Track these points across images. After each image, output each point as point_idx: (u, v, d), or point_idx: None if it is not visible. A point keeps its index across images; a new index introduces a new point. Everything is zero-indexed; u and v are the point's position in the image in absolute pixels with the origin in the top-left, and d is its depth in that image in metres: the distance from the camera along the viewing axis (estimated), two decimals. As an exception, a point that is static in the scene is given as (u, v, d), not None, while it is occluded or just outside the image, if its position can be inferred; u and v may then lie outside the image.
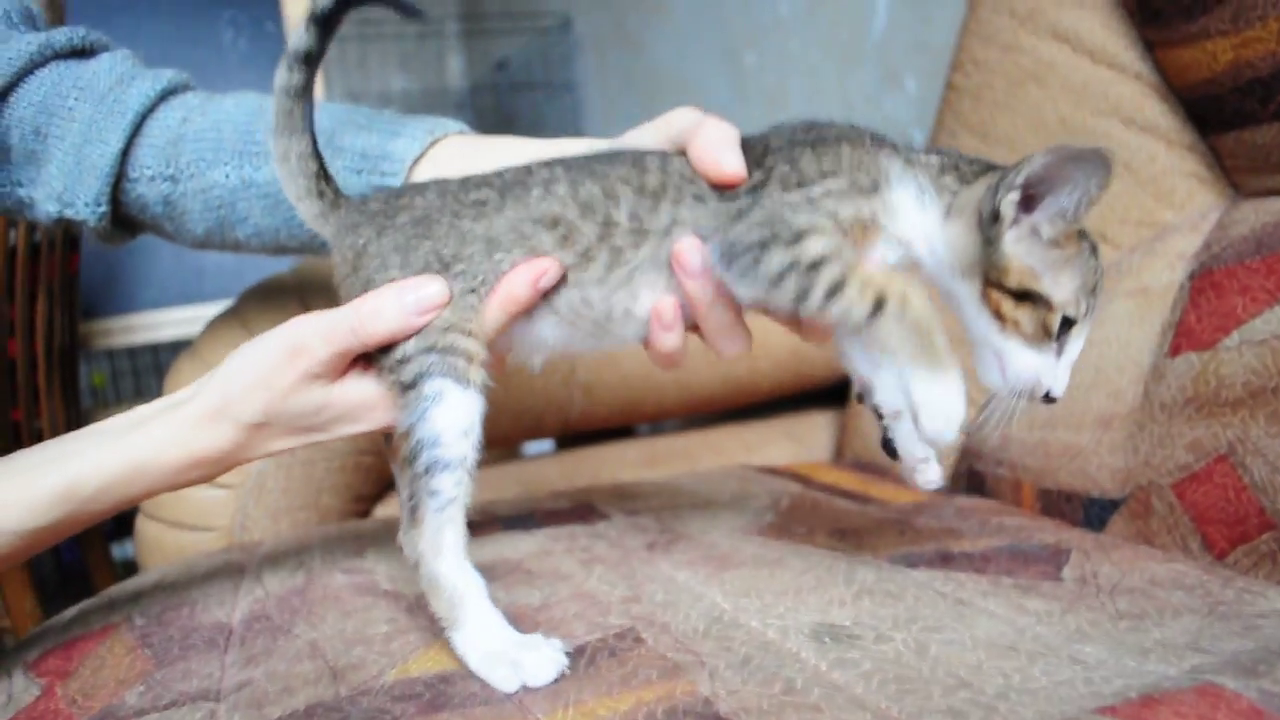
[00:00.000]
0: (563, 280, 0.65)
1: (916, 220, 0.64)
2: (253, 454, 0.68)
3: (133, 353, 2.75)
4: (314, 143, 0.72)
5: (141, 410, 0.69)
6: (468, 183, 0.68)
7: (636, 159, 0.67)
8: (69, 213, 0.83)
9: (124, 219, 0.88)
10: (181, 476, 0.67)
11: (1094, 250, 0.62)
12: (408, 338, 0.63)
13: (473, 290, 0.65)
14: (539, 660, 0.57)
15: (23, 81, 0.80)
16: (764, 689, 0.53)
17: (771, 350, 1.31)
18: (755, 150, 0.66)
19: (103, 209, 0.83)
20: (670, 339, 0.67)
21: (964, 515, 0.87)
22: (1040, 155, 0.57)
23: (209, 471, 0.68)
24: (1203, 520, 0.78)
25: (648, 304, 0.66)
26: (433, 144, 0.81)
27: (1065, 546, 0.76)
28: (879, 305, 0.58)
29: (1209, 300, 0.85)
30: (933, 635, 0.59)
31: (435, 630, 0.65)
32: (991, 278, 0.61)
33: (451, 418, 0.62)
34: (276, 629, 0.69)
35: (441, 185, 0.69)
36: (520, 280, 0.64)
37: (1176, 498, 0.80)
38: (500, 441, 1.31)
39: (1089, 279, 0.61)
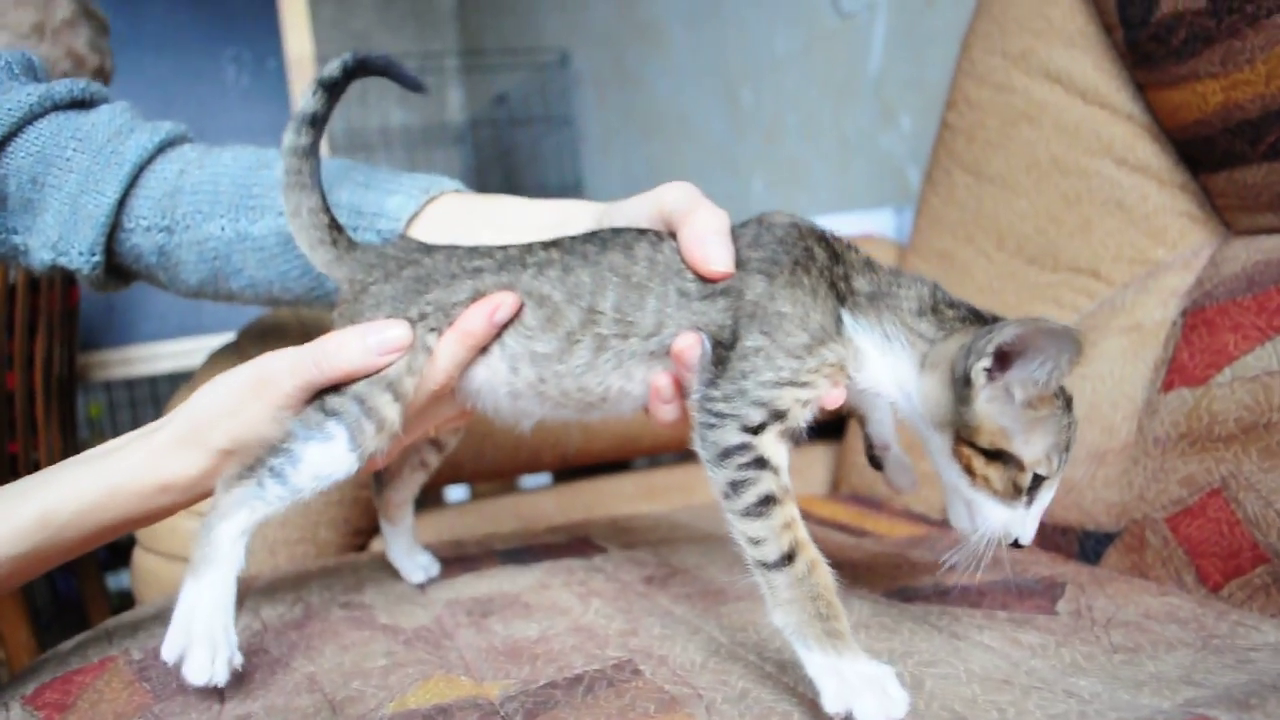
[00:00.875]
0: (547, 370, 0.69)
1: (882, 366, 0.64)
2: (218, 480, 0.69)
3: (130, 384, 2.76)
4: (323, 198, 0.76)
5: (116, 440, 0.71)
6: (474, 252, 0.72)
7: (628, 246, 0.68)
8: (63, 261, 0.84)
9: (118, 268, 0.89)
10: (152, 501, 0.68)
11: (1068, 405, 0.62)
12: (366, 376, 0.67)
13: (427, 347, 0.69)
14: (202, 659, 0.60)
15: (22, 131, 0.81)
16: (761, 722, 0.53)
17: (768, 384, 1.31)
18: (741, 239, 0.67)
19: (97, 258, 0.84)
20: (670, 410, 0.68)
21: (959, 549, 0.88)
22: (1013, 324, 0.56)
23: (178, 498, 0.69)
24: (1197, 554, 0.78)
25: (643, 382, 0.68)
26: (428, 202, 0.83)
27: (1060, 580, 0.76)
28: (790, 556, 0.56)
29: (1201, 337, 0.86)
30: (928, 669, 0.59)
31: (433, 662, 0.66)
32: (963, 434, 0.60)
33: (322, 462, 0.66)
34: (275, 662, 0.69)
35: (451, 250, 0.73)
36: (476, 315, 0.68)
37: (1171, 531, 0.81)
38: (498, 474, 1.31)
39: (1061, 437, 0.60)
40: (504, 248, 0.71)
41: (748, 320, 0.63)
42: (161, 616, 0.82)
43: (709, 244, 0.65)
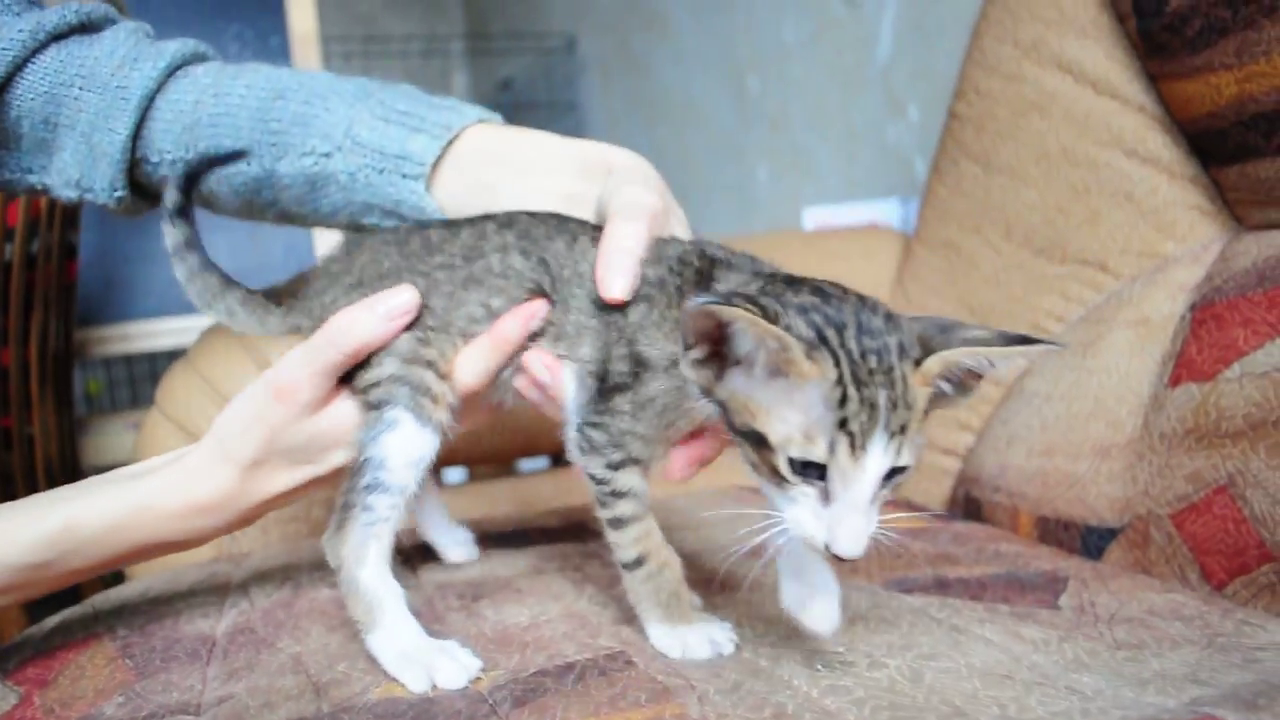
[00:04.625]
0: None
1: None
2: (253, 496, 0.69)
3: (130, 360, 2.74)
4: (241, 287, 0.76)
5: (147, 462, 0.71)
6: (429, 244, 0.71)
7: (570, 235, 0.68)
8: (89, 197, 0.83)
9: (149, 191, 0.86)
10: (185, 523, 0.68)
11: (857, 379, 0.51)
12: (383, 348, 0.67)
13: (446, 331, 0.68)
14: (451, 666, 0.59)
15: (24, 69, 0.79)
16: (754, 714, 0.52)
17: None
18: (654, 253, 0.65)
19: (120, 193, 0.83)
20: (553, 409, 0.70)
21: (960, 541, 0.87)
22: (685, 314, 0.55)
23: (211, 520, 0.69)
24: (1201, 551, 0.77)
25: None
26: (451, 142, 0.78)
27: (1063, 574, 0.75)
28: (640, 561, 0.63)
29: (1210, 332, 0.84)
30: (928, 663, 0.58)
31: (422, 646, 0.64)
32: (729, 423, 0.56)
33: (401, 447, 0.66)
34: (260, 642, 0.68)
35: (402, 247, 0.71)
36: (513, 323, 0.67)
37: (1175, 528, 0.79)
38: (495, 458, 1.30)
39: (830, 414, 0.51)
40: (456, 232, 0.71)
41: (621, 343, 0.63)
42: (148, 595, 0.81)
43: (614, 267, 0.63)
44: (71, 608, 0.82)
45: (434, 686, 0.59)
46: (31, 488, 1.58)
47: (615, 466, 0.63)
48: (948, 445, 1.11)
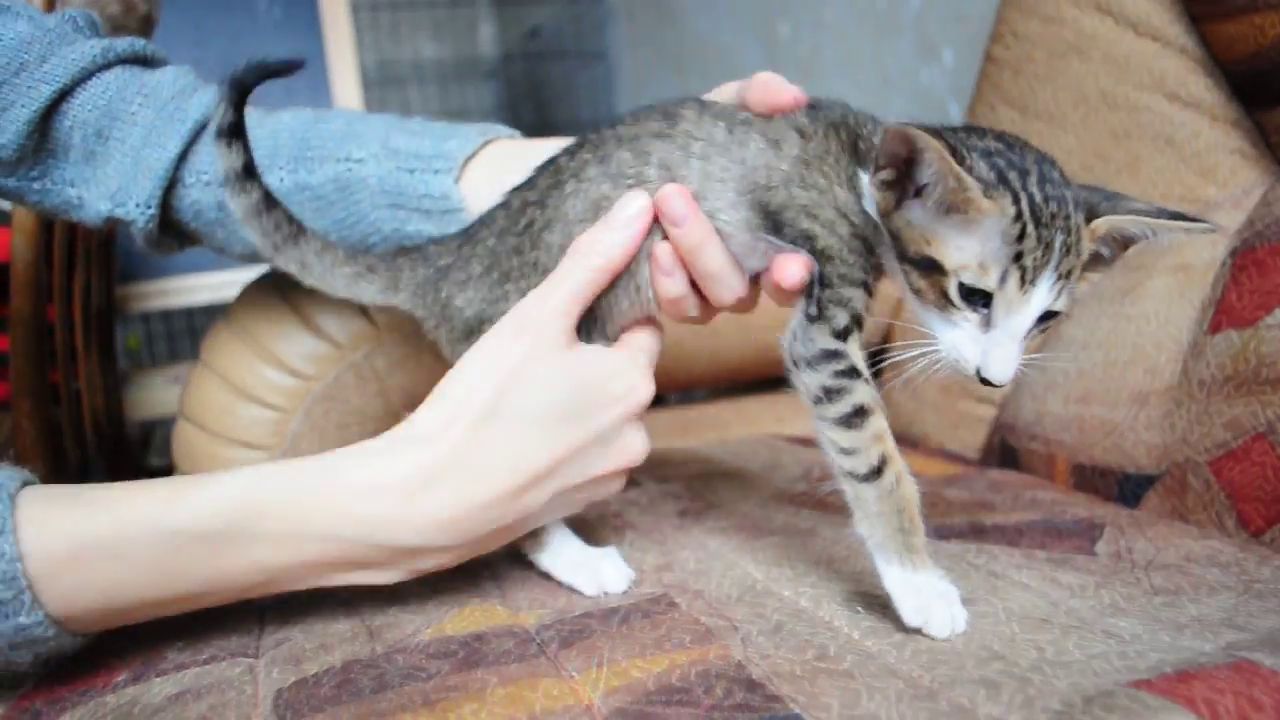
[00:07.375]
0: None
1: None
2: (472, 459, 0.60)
3: (168, 316, 2.78)
4: (319, 236, 0.73)
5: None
6: (511, 214, 0.69)
7: (669, 112, 0.67)
8: (119, 212, 0.85)
9: (176, 226, 0.89)
10: (364, 504, 0.59)
11: (1030, 214, 0.54)
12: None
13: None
14: (612, 571, 0.66)
15: (86, 83, 0.82)
16: (797, 655, 0.53)
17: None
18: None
19: (152, 211, 0.85)
20: (672, 285, 0.65)
21: (996, 488, 0.87)
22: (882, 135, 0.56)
23: (399, 501, 0.59)
24: (1239, 498, 0.77)
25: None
26: (485, 145, 0.82)
27: (1099, 521, 0.75)
28: (879, 469, 0.57)
29: (1251, 278, 0.84)
30: (966, 608, 0.59)
31: (469, 591, 0.66)
32: (898, 250, 0.58)
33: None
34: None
35: (492, 228, 0.70)
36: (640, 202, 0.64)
37: (1213, 475, 0.80)
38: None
39: (1007, 247, 0.54)
40: (531, 185, 0.70)
41: (791, 211, 0.61)
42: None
43: (778, 84, 0.65)
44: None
45: (604, 591, 0.65)
46: (80, 441, 1.61)
47: (842, 333, 0.59)
48: (983, 393, 1.11)
